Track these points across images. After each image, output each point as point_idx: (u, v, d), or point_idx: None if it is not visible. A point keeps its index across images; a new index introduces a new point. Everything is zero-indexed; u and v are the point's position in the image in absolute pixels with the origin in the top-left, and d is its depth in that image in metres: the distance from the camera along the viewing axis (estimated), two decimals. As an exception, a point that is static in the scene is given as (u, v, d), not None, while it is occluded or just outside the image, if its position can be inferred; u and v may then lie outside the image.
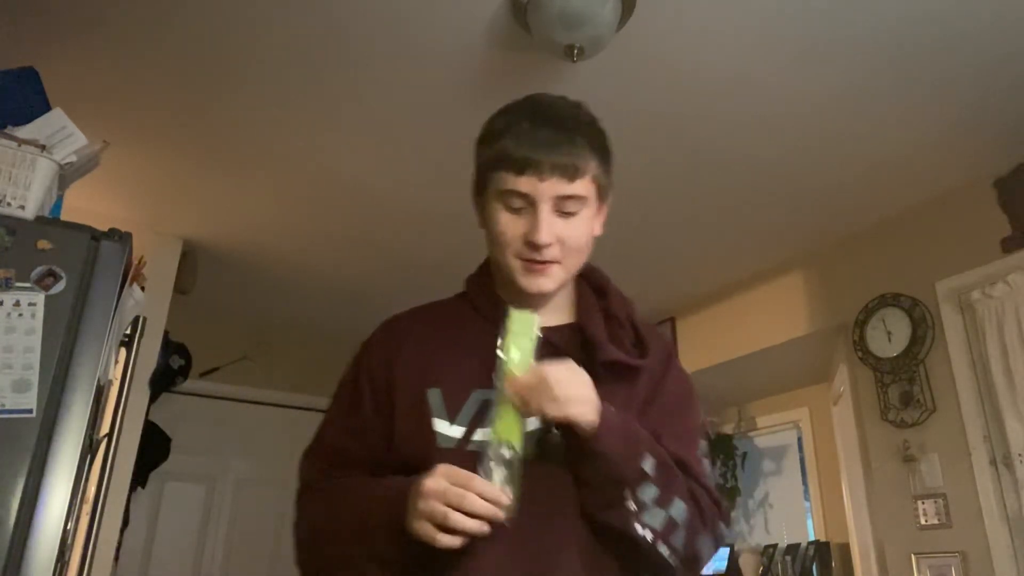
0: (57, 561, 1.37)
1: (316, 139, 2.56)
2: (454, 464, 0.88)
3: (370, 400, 1.02)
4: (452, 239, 3.25)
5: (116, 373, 1.72)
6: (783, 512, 4.07)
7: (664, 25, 1.99)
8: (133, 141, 2.55)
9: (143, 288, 1.75)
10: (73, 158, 1.65)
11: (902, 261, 2.90)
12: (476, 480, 0.83)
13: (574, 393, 0.87)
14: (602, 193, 1.07)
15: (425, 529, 0.83)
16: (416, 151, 2.61)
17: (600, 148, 1.06)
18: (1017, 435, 2.38)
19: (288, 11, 1.98)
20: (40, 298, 1.43)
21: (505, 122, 1.03)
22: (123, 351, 1.74)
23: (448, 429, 0.94)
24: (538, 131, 0.99)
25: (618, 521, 0.90)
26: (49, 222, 1.54)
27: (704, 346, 3.81)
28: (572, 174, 0.98)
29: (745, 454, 4.30)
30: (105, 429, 1.66)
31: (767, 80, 2.21)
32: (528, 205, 0.98)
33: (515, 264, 1.00)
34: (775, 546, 3.81)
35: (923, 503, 2.64)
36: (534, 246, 0.97)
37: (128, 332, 1.74)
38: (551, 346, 0.99)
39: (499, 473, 0.85)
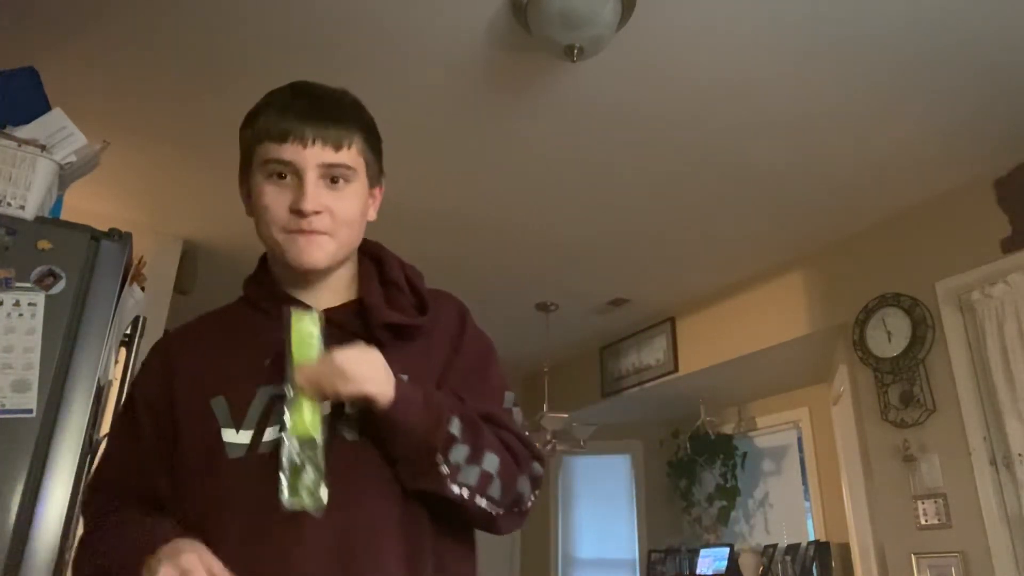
0: (57, 561, 1.36)
1: (316, 139, 2.56)
2: (244, 472, 0.87)
3: (150, 426, 0.97)
4: (451, 239, 3.25)
5: (116, 373, 1.71)
6: (783, 512, 4.07)
7: (664, 25, 1.99)
8: (133, 141, 2.55)
9: (143, 288, 1.75)
10: (73, 158, 1.65)
11: (902, 261, 2.90)
12: (200, 570, 0.80)
13: (365, 370, 0.86)
14: (372, 174, 1.04)
15: None
16: (416, 150, 2.61)
17: (366, 127, 1.03)
18: (1017, 435, 2.38)
19: (288, 12, 1.98)
20: (40, 298, 1.43)
21: (265, 101, 1.01)
22: (123, 351, 1.74)
23: (235, 437, 0.90)
24: (298, 102, 0.98)
25: (433, 485, 0.89)
26: (49, 222, 1.54)
27: (704, 346, 3.82)
28: (337, 142, 0.96)
29: (745, 454, 4.30)
30: (105, 429, 1.66)
31: (767, 80, 2.21)
32: (293, 175, 0.94)
33: (283, 238, 0.95)
34: (775, 546, 3.81)
35: (923, 503, 2.64)
36: (300, 213, 0.93)
37: (128, 332, 1.74)
38: (333, 325, 0.96)
39: (306, 473, 0.82)
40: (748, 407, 4.38)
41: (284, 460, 0.83)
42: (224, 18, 2.01)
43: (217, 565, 0.81)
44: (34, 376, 1.39)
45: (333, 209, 0.96)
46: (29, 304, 1.42)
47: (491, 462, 0.92)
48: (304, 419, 0.85)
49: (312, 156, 0.94)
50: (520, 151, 2.61)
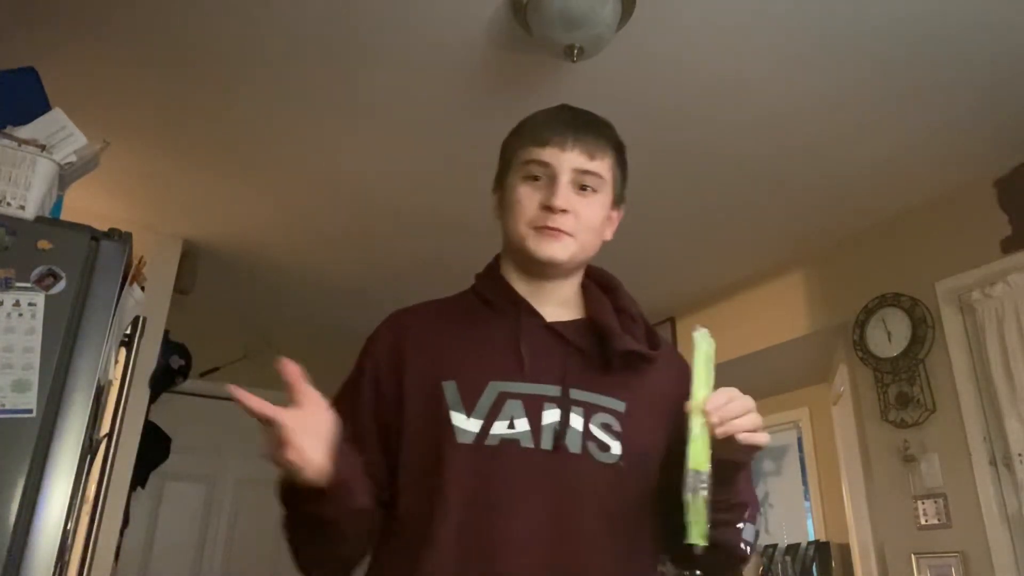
0: (57, 561, 1.37)
1: (316, 139, 2.56)
2: (471, 458, 0.89)
3: (374, 397, 1.00)
4: (452, 239, 3.25)
5: (116, 373, 1.72)
6: (783, 512, 4.07)
7: (664, 25, 1.99)
8: (133, 141, 2.55)
9: (143, 288, 1.75)
10: (73, 158, 1.65)
11: (902, 261, 2.90)
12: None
13: (761, 422, 0.86)
14: (616, 193, 1.09)
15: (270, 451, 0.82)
16: (416, 151, 2.61)
17: (619, 147, 1.10)
18: (1017, 435, 2.38)
19: (288, 12, 1.98)
20: (40, 298, 1.43)
21: (532, 114, 1.11)
22: (123, 351, 1.74)
23: (465, 423, 0.92)
24: (562, 114, 1.07)
25: (730, 539, 0.92)
26: (49, 222, 1.54)
27: (704, 346, 3.81)
28: (592, 152, 1.03)
29: (745, 454, 4.29)
30: (105, 429, 1.66)
31: (767, 80, 2.21)
32: (548, 176, 1.01)
33: (527, 232, 1.01)
34: (775, 546, 3.81)
35: (923, 503, 2.64)
36: (550, 209, 0.99)
37: (128, 332, 1.74)
38: (560, 338, 1.00)
39: (699, 499, 0.81)
40: (748, 407, 4.38)
41: (689, 495, 0.81)
42: (224, 18, 2.01)
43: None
44: (34, 376, 1.39)
45: (579, 212, 1.01)
46: (29, 304, 1.42)
47: (760, 524, 0.98)
48: (703, 451, 0.83)
49: (568, 160, 1.02)
50: (520, 151, 2.60)
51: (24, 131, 1.60)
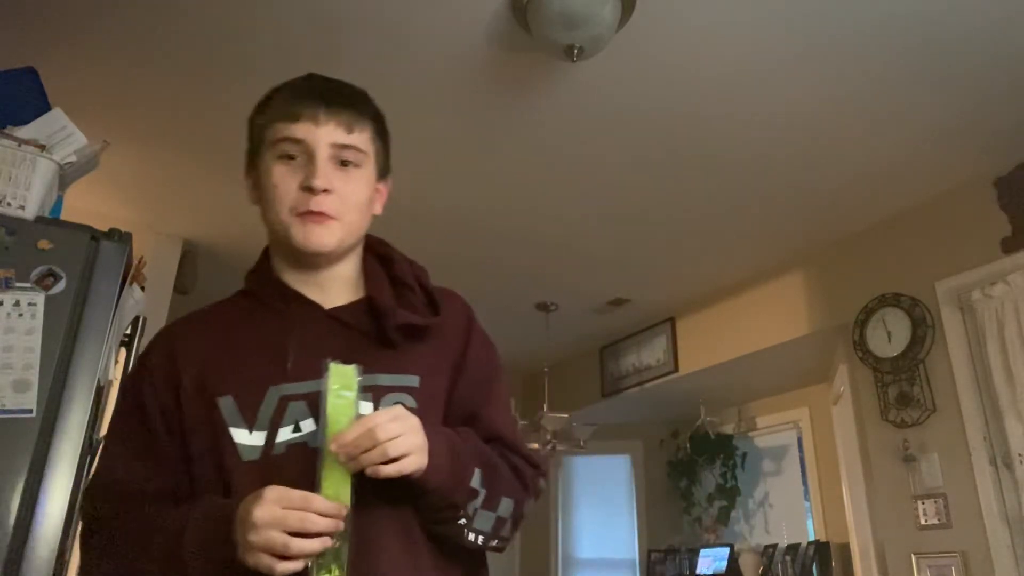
0: (57, 561, 1.36)
1: (316, 139, 2.56)
2: (260, 474, 0.83)
3: (160, 416, 0.92)
4: (451, 238, 3.25)
5: (116, 373, 1.72)
6: (783, 512, 4.07)
7: (664, 25, 1.99)
8: (133, 141, 2.55)
9: (143, 288, 1.75)
10: (73, 158, 1.65)
11: (902, 261, 2.90)
12: (314, 499, 0.78)
13: (404, 448, 0.81)
14: (380, 165, 1.02)
15: (262, 561, 0.76)
16: (416, 150, 2.61)
17: (376, 116, 1.02)
18: (1017, 435, 2.38)
19: (288, 11, 1.98)
20: (40, 298, 1.43)
21: (277, 87, 1.02)
22: (123, 351, 1.74)
23: (248, 438, 0.87)
24: (311, 85, 0.99)
25: (450, 533, 0.89)
26: (49, 222, 1.54)
27: (704, 346, 3.82)
28: (348, 124, 0.96)
29: (745, 454, 4.30)
30: (104, 429, 1.66)
31: (766, 80, 2.21)
32: (304, 154, 0.93)
33: (290, 221, 0.93)
34: (775, 546, 3.81)
35: (923, 503, 2.64)
36: (311, 190, 0.92)
37: (128, 332, 1.74)
38: (342, 324, 0.95)
39: (336, 543, 0.79)
40: (748, 407, 4.38)
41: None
42: (224, 18, 2.01)
43: (317, 499, 0.78)
44: (34, 376, 1.39)
45: (342, 191, 0.94)
46: (29, 304, 1.42)
47: (505, 507, 0.92)
48: (334, 486, 0.81)
49: (325, 135, 0.94)
50: (520, 151, 2.61)
51: (24, 131, 1.60)
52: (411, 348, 0.95)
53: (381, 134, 1.02)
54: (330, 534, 0.78)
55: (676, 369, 3.95)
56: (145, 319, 1.78)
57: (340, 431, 0.81)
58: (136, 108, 2.40)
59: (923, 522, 2.63)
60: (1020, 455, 2.37)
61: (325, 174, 0.93)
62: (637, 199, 2.91)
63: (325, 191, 0.92)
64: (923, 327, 2.73)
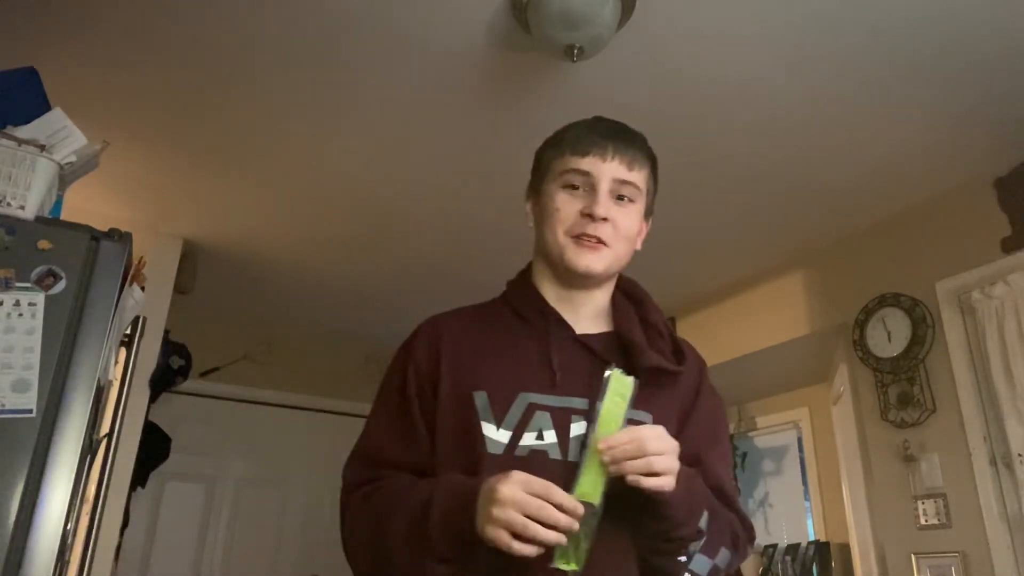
0: (57, 561, 1.36)
1: (316, 139, 2.56)
2: (502, 470, 0.88)
3: (418, 401, 1.02)
4: (452, 239, 3.25)
5: (116, 373, 1.72)
6: (783, 512, 4.07)
7: (664, 25, 1.99)
8: (133, 141, 2.55)
9: (143, 288, 1.75)
10: (73, 158, 1.65)
11: (902, 261, 2.90)
12: (555, 491, 0.82)
13: (665, 466, 0.86)
14: (649, 205, 1.13)
15: (501, 537, 0.82)
16: (416, 151, 2.61)
17: (653, 160, 1.13)
18: (1017, 435, 2.38)
19: (288, 11, 1.98)
20: (40, 298, 1.43)
21: (570, 125, 1.13)
22: (123, 351, 1.74)
23: (496, 434, 0.94)
24: (601, 125, 1.09)
25: (667, 568, 0.93)
26: (49, 222, 1.54)
27: (704, 346, 3.76)
28: (631, 163, 1.06)
29: (745, 454, 4.30)
30: (105, 429, 1.66)
31: (767, 80, 2.21)
32: (587, 186, 1.03)
33: (566, 242, 1.03)
34: (775, 546, 3.81)
35: (923, 503, 2.64)
36: (591, 217, 1.01)
37: (128, 332, 1.74)
38: (590, 352, 1.01)
39: (580, 537, 0.83)
40: (748, 407, 4.38)
41: None
42: (224, 18, 2.01)
43: (558, 491, 0.83)
44: (34, 376, 1.39)
45: (617, 221, 1.04)
46: (29, 304, 1.42)
47: (723, 558, 0.97)
48: (591, 483, 0.85)
49: (609, 170, 1.04)
50: (519, 151, 2.60)
51: (24, 131, 1.60)
52: (650, 392, 0.99)
53: (654, 176, 1.14)
54: (564, 530, 0.82)
55: (676, 369, 3.94)
56: (145, 319, 1.78)
57: (610, 434, 0.86)
58: (136, 108, 2.40)
59: (923, 522, 2.63)
60: (1020, 455, 2.37)
61: (606, 204, 1.02)
62: (637, 199, 2.90)
63: (604, 219, 1.02)
64: (923, 327, 2.73)
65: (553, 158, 1.09)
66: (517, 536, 0.81)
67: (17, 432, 1.36)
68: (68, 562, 1.52)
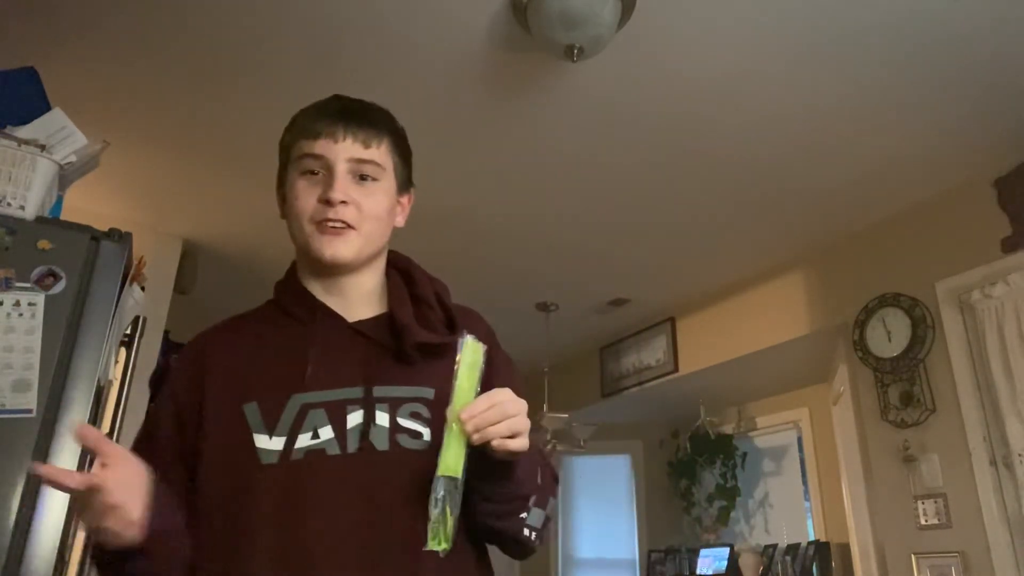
0: (57, 561, 1.36)
1: (316, 139, 2.56)
2: (276, 478, 0.87)
3: (173, 432, 0.96)
4: (451, 239, 3.25)
5: (116, 373, 1.72)
6: (783, 512, 4.07)
7: (664, 25, 1.99)
8: (133, 141, 2.55)
9: (143, 288, 1.75)
10: (73, 158, 1.65)
11: (902, 261, 2.90)
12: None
13: (524, 426, 0.85)
14: (400, 179, 1.10)
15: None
16: (416, 151, 2.60)
17: (395, 132, 1.09)
18: (1017, 435, 2.38)
19: (288, 12, 1.98)
20: (40, 298, 1.43)
21: (303, 108, 1.07)
22: (123, 351, 1.74)
23: (268, 443, 0.90)
24: (332, 105, 1.05)
25: (511, 528, 0.92)
26: (49, 222, 1.54)
27: (704, 346, 3.82)
28: (367, 140, 1.01)
29: (745, 454, 4.30)
30: (105, 429, 1.66)
31: (767, 80, 2.21)
32: (324, 169, 0.99)
33: (310, 230, 0.99)
34: (775, 546, 3.81)
35: (923, 503, 2.64)
36: (328, 203, 0.97)
37: (128, 332, 1.74)
38: (363, 337, 0.98)
39: (448, 503, 0.82)
40: (748, 407, 4.38)
41: (431, 499, 0.82)
42: (224, 18, 2.01)
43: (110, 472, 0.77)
44: (34, 376, 1.39)
45: (360, 203, 1.00)
46: (29, 304, 1.42)
47: (552, 506, 0.96)
48: (454, 456, 0.84)
49: (342, 151, 1.00)
50: (520, 151, 2.61)
51: (24, 131, 1.60)
52: (428, 363, 0.98)
53: (400, 149, 1.10)
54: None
55: (676, 369, 3.95)
56: (145, 319, 1.78)
57: (468, 403, 0.84)
58: (136, 108, 2.40)
59: (923, 522, 2.63)
60: (1020, 455, 2.37)
61: (343, 187, 0.98)
62: (637, 199, 2.90)
63: (343, 203, 0.97)
64: (923, 327, 2.73)
65: (290, 144, 1.05)
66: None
67: (17, 432, 1.36)
68: (68, 562, 1.52)
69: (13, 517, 1.32)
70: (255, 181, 2.86)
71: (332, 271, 1.01)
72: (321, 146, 1.00)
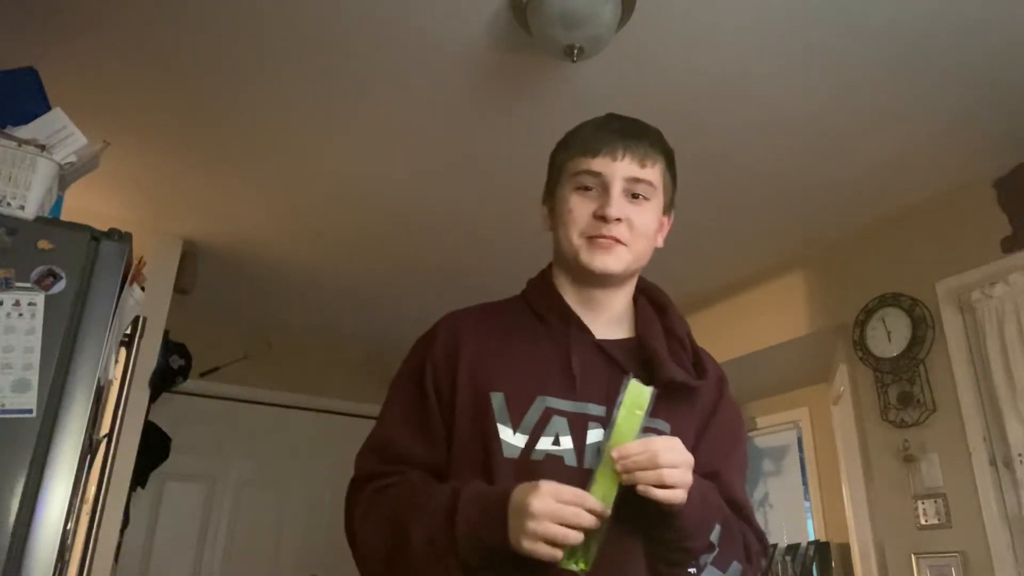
0: (57, 561, 1.36)
1: (316, 139, 2.56)
2: (517, 474, 0.89)
3: (434, 396, 1.00)
4: (452, 240, 3.25)
5: (116, 373, 1.72)
6: (783, 512, 4.07)
7: (664, 25, 1.99)
8: (133, 141, 2.55)
9: (143, 288, 1.75)
10: (73, 158, 1.65)
11: (902, 261, 2.90)
12: (587, 497, 0.83)
13: (677, 479, 0.86)
14: (667, 200, 1.10)
15: (541, 550, 0.82)
16: (416, 152, 2.61)
17: (668, 154, 1.10)
18: (1017, 435, 2.38)
19: (287, 12, 1.98)
20: (40, 298, 1.43)
21: (580, 125, 1.11)
22: (123, 351, 1.74)
23: (512, 437, 0.93)
24: (613, 123, 1.08)
25: None
26: (49, 222, 1.54)
27: (704, 346, 3.79)
28: (643, 160, 1.04)
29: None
30: (105, 429, 1.66)
31: (767, 80, 2.21)
32: (600, 186, 1.02)
33: (580, 243, 1.02)
34: (775, 546, 3.81)
35: (923, 503, 2.64)
36: (604, 219, 1.00)
37: (128, 332, 1.74)
38: (609, 358, 1.00)
39: (590, 541, 0.85)
40: (748, 407, 4.38)
41: None
42: (224, 19, 2.01)
43: (590, 497, 0.84)
44: (34, 376, 1.39)
45: (632, 220, 1.02)
46: (29, 304, 1.42)
47: (734, 571, 0.96)
48: (603, 490, 0.86)
49: (620, 169, 1.02)
50: (519, 151, 2.61)
51: (24, 131, 1.60)
52: (668, 403, 0.98)
53: (670, 170, 1.11)
54: (588, 528, 0.83)
55: (676, 369, 3.94)
56: (145, 319, 1.78)
57: (625, 442, 0.87)
58: (136, 108, 2.40)
59: (923, 522, 2.63)
60: (1020, 455, 2.37)
61: (619, 204, 1.01)
62: (637, 199, 2.90)
63: (617, 220, 1.00)
64: (923, 327, 2.73)
65: (565, 160, 1.08)
66: (554, 544, 0.82)
67: (17, 432, 1.36)
68: (68, 562, 1.52)
69: (13, 517, 1.32)
70: (255, 181, 2.86)
71: (592, 284, 1.04)
72: (600, 163, 1.02)
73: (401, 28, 2.04)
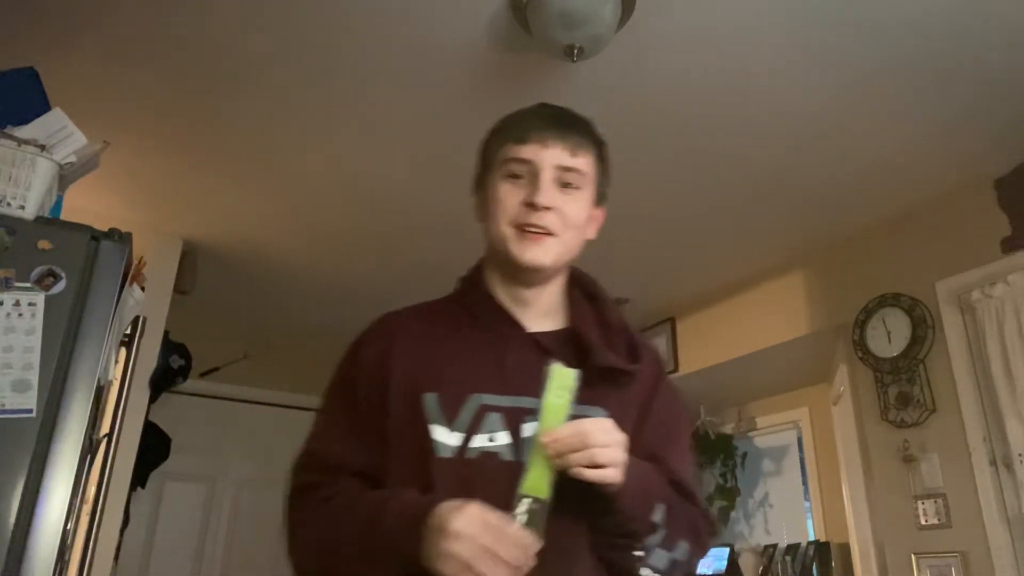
0: (57, 561, 1.36)
1: (316, 139, 2.56)
2: (453, 473, 0.88)
3: (365, 399, 1.00)
4: (452, 239, 3.25)
5: (116, 373, 1.72)
6: (783, 512, 4.07)
7: (664, 25, 1.99)
8: (133, 141, 2.55)
9: (143, 288, 1.75)
10: (73, 158, 1.65)
11: (902, 261, 2.90)
12: (510, 528, 0.81)
13: (609, 458, 0.85)
14: (598, 190, 1.08)
15: (451, 571, 0.79)
16: (416, 151, 2.61)
17: (599, 143, 1.08)
18: (1017, 435, 2.38)
19: (287, 12, 1.98)
20: (40, 298, 1.43)
21: (511, 113, 1.08)
22: (123, 351, 1.74)
23: (446, 436, 0.92)
24: (542, 111, 1.06)
25: (624, 563, 0.92)
26: (49, 222, 1.54)
27: (704, 346, 3.81)
28: (573, 148, 1.02)
29: (745, 454, 4.30)
30: (105, 429, 1.66)
31: (767, 80, 2.21)
32: (530, 174, 1.00)
33: (510, 233, 1.00)
34: (775, 546, 3.81)
35: (923, 503, 2.64)
36: (533, 207, 0.98)
37: (128, 332, 1.74)
38: (544, 350, 0.99)
39: (528, 523, 0.83)
40: (748, 407, 4.38)
41: (514, 515, 0.83)
42: (224, 19, 2.01)
43: (513, 527, 0.81)
44: (34, 376, 1.39)
45: (562, 210, 1.00)
46: (29, 304, 1.42)
47: (682, 550, 0.95)
48: (538, 477, 0.85)
49: (550, 156, 1.00)
50: (520, 151, 2.60)
51: (24, 131, 1.60)
52: (604, 390, 0.98)
53: (602, 160, 1.09)
54: (516, 566, 0.80)
55: (676, 369, 3.94)
56: (145, 319, 1.78)
57: (553, 427, 0.86)
58: (136, 108, 2.40)
59: (923, 522, 2.63)
60: (1020, 455, 2.37)
61: (548, 192, 0.99)
62: (637, 199, 2.90)
63: (546, 208, 0.98)
64: (923, 327, 2.73)
65: (495, 148, 1.06)
66: (468, 570, 0.79)
67: (17, 432, 1.36)
68: (68, 562, 1.52)
69: (13, 517, 1.32)
70: (255, 181, 2.86)
71: (522, 277, 1.03)
72: (529, 151, 1.01)
73: (401, 28, 2.04)
